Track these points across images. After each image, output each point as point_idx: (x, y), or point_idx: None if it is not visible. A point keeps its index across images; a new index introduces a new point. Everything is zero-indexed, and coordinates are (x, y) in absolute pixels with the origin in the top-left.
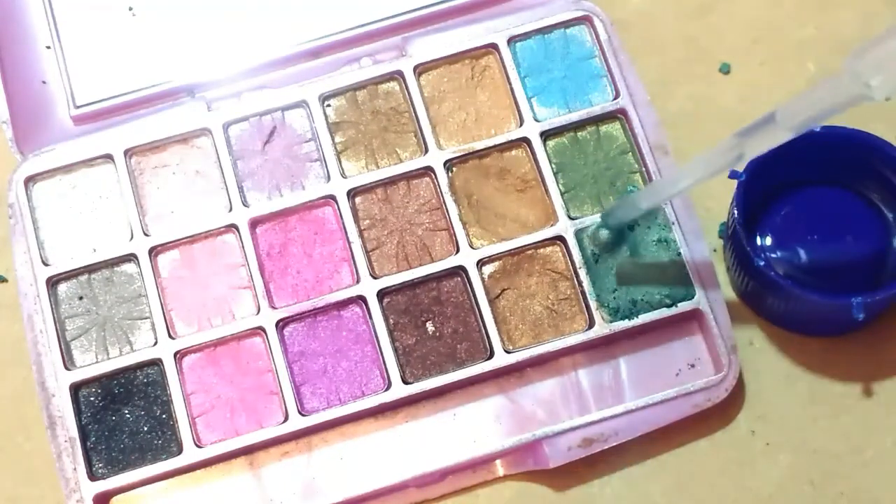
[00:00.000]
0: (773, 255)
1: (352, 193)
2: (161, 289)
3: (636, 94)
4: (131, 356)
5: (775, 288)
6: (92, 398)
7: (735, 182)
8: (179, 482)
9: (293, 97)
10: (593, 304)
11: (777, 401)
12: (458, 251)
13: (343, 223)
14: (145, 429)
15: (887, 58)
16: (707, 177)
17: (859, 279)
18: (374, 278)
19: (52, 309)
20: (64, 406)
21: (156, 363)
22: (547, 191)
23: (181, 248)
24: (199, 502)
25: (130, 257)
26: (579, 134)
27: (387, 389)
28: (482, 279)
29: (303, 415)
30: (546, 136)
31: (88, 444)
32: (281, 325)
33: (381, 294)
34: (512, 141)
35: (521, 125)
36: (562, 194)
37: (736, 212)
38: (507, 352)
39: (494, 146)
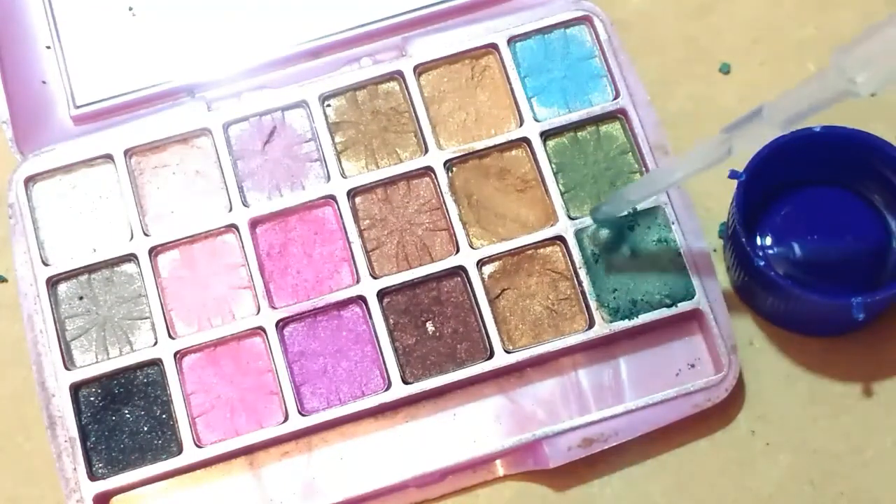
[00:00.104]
0: (773, 255)
1: (352, 193)
2: (161, 289)
3: (636, 94)
4: (131, 356)
5: (775, 288)
6: (92, 398)
7: (735, 182)
8: (179, 482)
9: (293, 97)
10: (593, 304)
11: (777, 401)
12: (458, 251)
13: (343, 223)
14: (145, 429)
15: (872, 54)
16: (694, 172)
17: (859, 279)
18: (374, 278)
19: (52, 309)
20: (64, 406)
21: (156, 363)
22: (547, 191)
23: (181, 248)
24: (199, 502)
25: (130, 257)
26: (579, 134)
27: (387, 389)
28: (482, 279)
29: (303, 415)
30: (546, 136)
31: (88, 444)
32: (281, 325)
33: (381, 294)
34: (512, 141)
35: (521, 125)
36: (562, 194)
37: (736, 212)
38: (507, 352)
39: (494, 146)
